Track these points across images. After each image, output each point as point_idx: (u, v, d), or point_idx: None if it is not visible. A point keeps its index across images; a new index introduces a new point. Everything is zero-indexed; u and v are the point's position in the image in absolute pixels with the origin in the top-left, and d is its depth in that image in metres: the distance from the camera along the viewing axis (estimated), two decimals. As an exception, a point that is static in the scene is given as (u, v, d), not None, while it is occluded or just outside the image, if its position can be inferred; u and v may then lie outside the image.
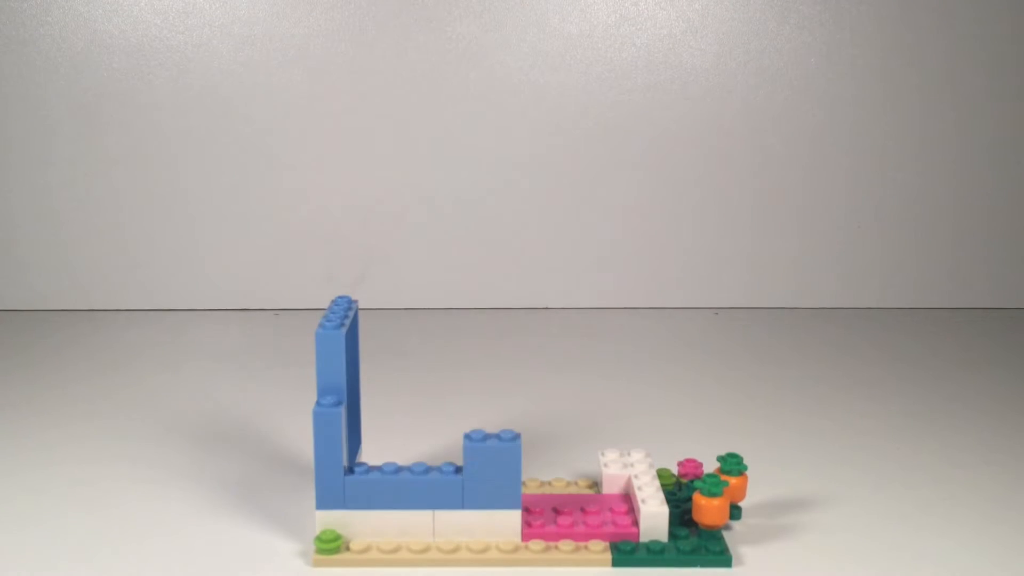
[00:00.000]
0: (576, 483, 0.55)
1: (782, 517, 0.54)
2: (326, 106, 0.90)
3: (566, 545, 0.49)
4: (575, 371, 0.77)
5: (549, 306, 0.94)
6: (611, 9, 0.89)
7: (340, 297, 0.54)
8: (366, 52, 0.89)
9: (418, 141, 0.91)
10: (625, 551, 0.48)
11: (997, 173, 0.93)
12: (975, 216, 0.94)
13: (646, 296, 0.94)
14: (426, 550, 0.49)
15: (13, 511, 0.54)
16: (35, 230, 0.91)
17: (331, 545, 0.49)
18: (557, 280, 0.94)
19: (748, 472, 0.54)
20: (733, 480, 0.52)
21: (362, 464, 0.50)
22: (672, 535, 0.50)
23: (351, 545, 0.49)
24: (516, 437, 0.49)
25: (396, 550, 0.49)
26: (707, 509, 0.49)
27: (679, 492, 0.54)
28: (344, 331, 0.50)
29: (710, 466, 0.55)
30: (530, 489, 0.55)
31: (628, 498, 0.52)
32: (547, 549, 0.49)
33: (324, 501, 0.49)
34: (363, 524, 0.49)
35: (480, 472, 0.49)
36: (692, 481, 0.53)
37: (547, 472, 0.58)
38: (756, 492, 0.55)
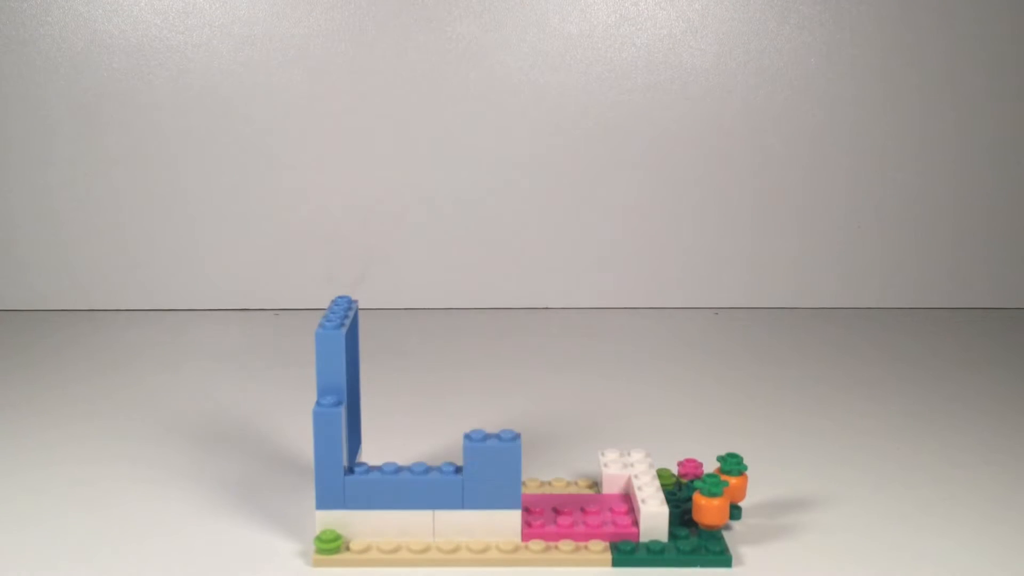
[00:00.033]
0: (576, 483, 0.55)
1: (782, 517, 0.54)
2: (326, 106, 0.90)
3: (566, 545, 0.49)
4: (575, 371, 0.77)
5: (549, 306, 0.94)
6: (611, 9, 0.89)
7: (340, 297, 0.54)
8: (366, 52, 0.89)
9: (418, 141, 0.91)
10: (625, 551, 0.48)
11: (997, 173, 0.93)
12: (975, 216, 0.94)
13: (646, 296, 0.94)
14: (426, 550, 0.49)
15: (13, 511, 0.54)
16: (35, 230, 0.91)
17: (331, 545, 0.49)
18: (557, 280, 0.94)
19: (748, 472, 0.54)
20: (733, 480, 0.52)
21: (362, 464, 0.50)
22: (672, 535, 0.50)
23: (351, 545, 0.49)
24: (516, 437, 0.49)
25: (396, 550, 0.49)
26: (707, 509, 0.49)
27: (679, 492, 0.54)
28: (344, 331, 0.50)
29: (710, 466, 0.55)
30: (530, 489, 0.55)
31: (628, 498, 0.52)
32: (547, 549, 0.49)
33: (324, 501, 0.49)
34: (363, 524, 0.49)
35: (480, 472, 0.49)
36: (692, 481, 0.53)
37: (547, 472, 0.58)
38: (756, 492, 0.55)
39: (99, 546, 0.51)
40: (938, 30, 0.90)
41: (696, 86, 0.90)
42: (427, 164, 0.92)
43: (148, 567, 0.49)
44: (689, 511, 0.51)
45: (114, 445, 0.62)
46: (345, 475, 0.49)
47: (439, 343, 0.84)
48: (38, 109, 0.89)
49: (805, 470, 0.59)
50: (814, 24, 0.90)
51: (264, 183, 0.91)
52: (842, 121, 0.92)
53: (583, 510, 0.51)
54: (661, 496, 0.50)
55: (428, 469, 0.49)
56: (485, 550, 0.49)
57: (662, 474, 0.55)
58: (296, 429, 0.63)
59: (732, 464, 0.52)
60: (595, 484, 0.55)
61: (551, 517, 0.51)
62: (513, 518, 0.49)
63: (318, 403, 0.49)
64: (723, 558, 0.49)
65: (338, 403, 0.49)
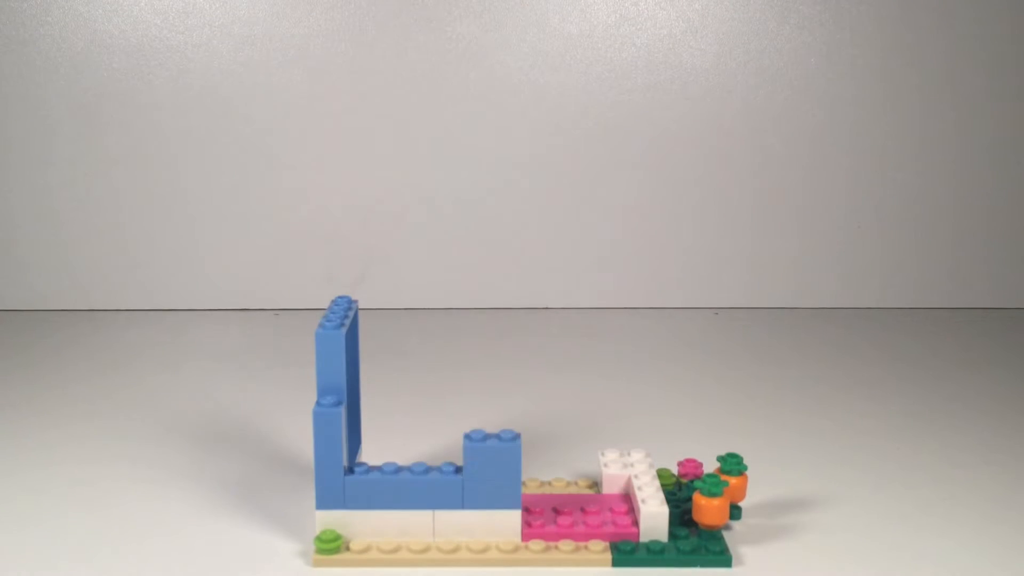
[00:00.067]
0: (576, 483, 0.55)
1: (782, 517, 0.54)
2: (326, 106, 0.90)
3: (566, 545, 0.49)
4: (575, 371, 0.77)
5: (549, 306, 0.94)
6: (611, 9, 0.89)
7: (340, 297, 0.54)
8: (366, 52, 0.89)
9: (418, 141, 0.91)
10: (625, 551, 0.48)
11: (997, 173, 0.93)
12: (975, 216, 0.94)
13: (646, 296, 0.94)
14: (426, 550, 0.49)
15: (13, 511, 0.54)
16: (35, 230, 0.91)
17: (331, 545, 0.49)
18: (557, 280, 0.94)
19: (748, 472, 0.54)
20: (733, 480, 0.52)
21: (362, 464, 0.50)
22: (672, 535, 0.50)
23: (351, 545, 0.49)
24: (516, 437, 0.49)
25: (396, 550, 0.49)
26: (707, 509, 0.49)
27: (679, 492, 0.53)
28: (344, 331, 0.50)
29: (710, 466, 0.55)
30: (530, 489, 0.55)
31: (628, 498, 0.52)
32: (547, 549, 0.49)
33: (324, 501, 0.49)
34: (363, 524, 0.49)
35: (480, 472, 0.49)
36: (692, 481, 0.53)
37: (547, 472, 0.58)
38: (756, 492, 0.55)
39: (99, 546, 0.51)
40: (938, 30, 0.90)
41: (696, 86, 0.90)
42: (427, 164, 0.92)
43: (148, 567, 0.49)
44: (689, 511, 0.51)
45: (114, 445, 0.62)
46: (345, 475, 0.49)
47: (439, 343, 0.84)
48: (38, 109, 0.89)
49: (805, 470, 0.59)
50: (814, 24, 0.90)
51: (264, 183, 0.91)
52: (842, 121, 0.92)
53: (583, 510, 0.51)
54: (661, 496, 0.50)
55: (428, 469, 0.49)
56: (485, 550, 0.49)
57: (662, 474, 0.55)
58: (296, 429, 0.63)
59: (732, 464, 0.52)
60: (595, 484, 0.55)
61: (551, 517, 0.51)
62: (513, 518, 0.49)
63: (318, 403, 0.49)
64: (723, 558, 0.49)
65: (338, 403, 0.49)
